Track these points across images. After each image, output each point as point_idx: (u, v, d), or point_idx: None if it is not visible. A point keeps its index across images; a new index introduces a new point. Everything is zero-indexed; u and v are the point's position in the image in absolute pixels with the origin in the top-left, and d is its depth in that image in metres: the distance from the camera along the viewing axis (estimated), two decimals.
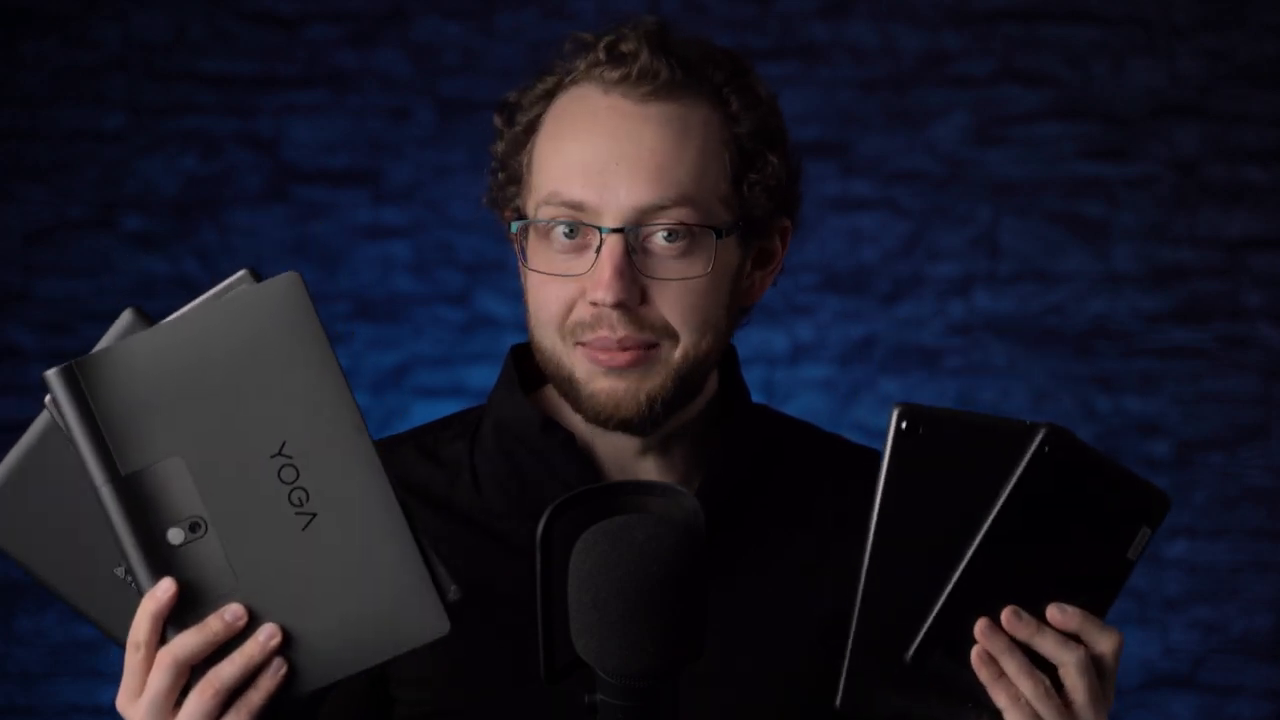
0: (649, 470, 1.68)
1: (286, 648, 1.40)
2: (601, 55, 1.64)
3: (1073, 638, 1.46)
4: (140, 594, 1.40)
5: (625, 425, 1.63)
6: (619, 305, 1.59)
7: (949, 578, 1.45)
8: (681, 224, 1.61)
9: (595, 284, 1.60)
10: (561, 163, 1.63)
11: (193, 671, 1.39)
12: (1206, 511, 3.65)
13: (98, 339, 1.45)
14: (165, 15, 3.64)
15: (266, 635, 1.39)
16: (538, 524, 1.38)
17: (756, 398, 1.76)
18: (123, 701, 1.42)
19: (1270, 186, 3.65)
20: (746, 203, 1.65)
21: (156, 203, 3.63)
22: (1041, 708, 1.45)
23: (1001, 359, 3.65)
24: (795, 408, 1.83)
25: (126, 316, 1.45)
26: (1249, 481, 3.66)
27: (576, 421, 1.68)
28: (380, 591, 1.41)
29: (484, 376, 1.76)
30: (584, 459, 1.67)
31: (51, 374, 1.39)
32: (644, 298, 1.61)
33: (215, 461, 1.40)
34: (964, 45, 3.67)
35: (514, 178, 1.68)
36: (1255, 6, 3.64)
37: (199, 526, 1.40)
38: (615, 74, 1.63)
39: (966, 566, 1.45)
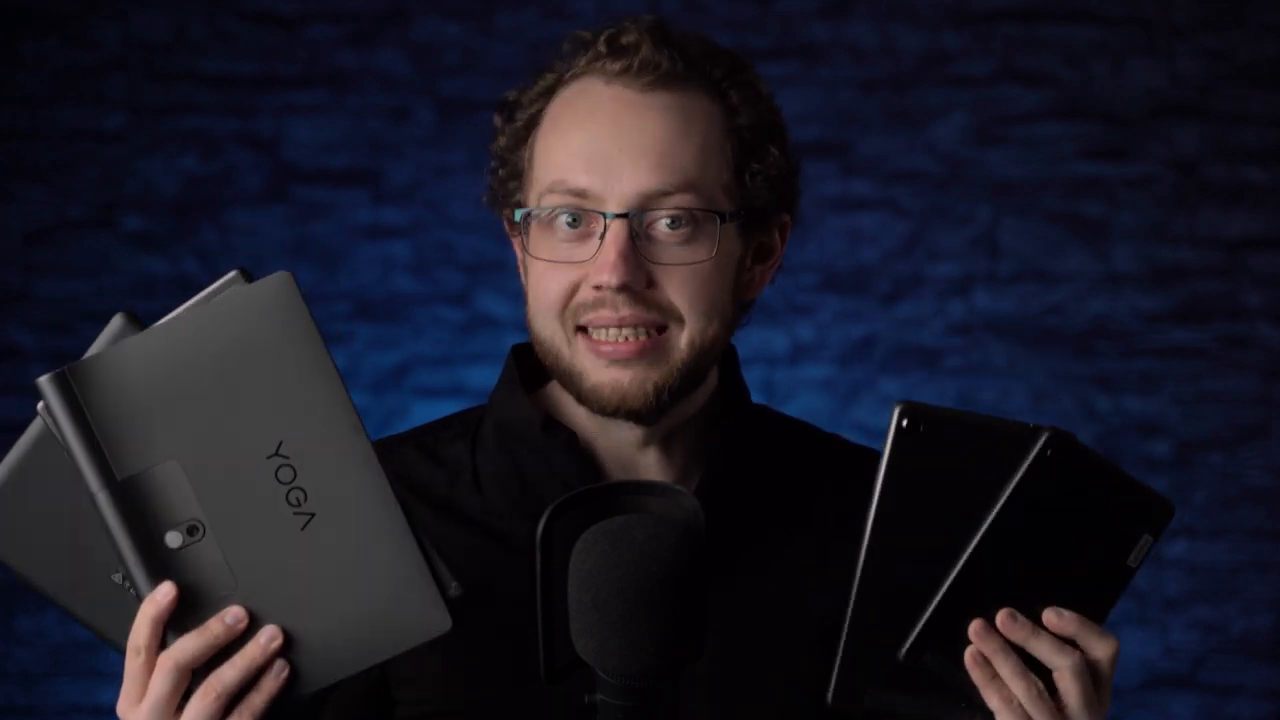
0: (650, 465, 1.68)
1: (288, 649, 1.40)
2: (603, 48, 1.65)
3: (1069, 642, 1.45)
4: (139, 599, 1.39)
5: (632, 415, 1.64)
6: (623, 288, 1.60)
7: (945, 577, 1.45)
8: (685, 209, 1.61)
9: (599, 268, 1.60)
10: (565, 152, 1.63)
11: (194, 675, 1.39)
12: (1206, 511, 3.65)
13: (98, 337, 1.45)
14: (165, 15, 3.64)
15: (268, 637, 1.39)
16: (538, 524, 1.38)
17: (756, 398, 1.76)
18: (123, 707, 1.41)
19: (1270, 186, 3.65)
20: (748, 193, 1.66)
21: (156, 203, 3.63)
22: (1034, 711, 1.44)
23: (1001, 359, 3.65)
24: (795, 408, 1.83)
25: (117, 321, 1.44)
26: (1249, 481, 3.66)
27: (578, 420, 1.68)
28: (381, 590, 1.41)
29: (484, 376, 1.76)
30: (585, 459, 1.67)
31: (44, 381, 1.39)
32: (649, 282, 1.62)
33: (211, 464, 1.39)
34: (964, 45, 3.67)
35: (515, 173, 1.68)
36: (1255, 6, 3.64)
37: (197, 530, 1.39)
38: (617, 65, 1.64)
39: (963, 567, 1.45)
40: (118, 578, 1.44)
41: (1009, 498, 1.44)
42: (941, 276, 3.67)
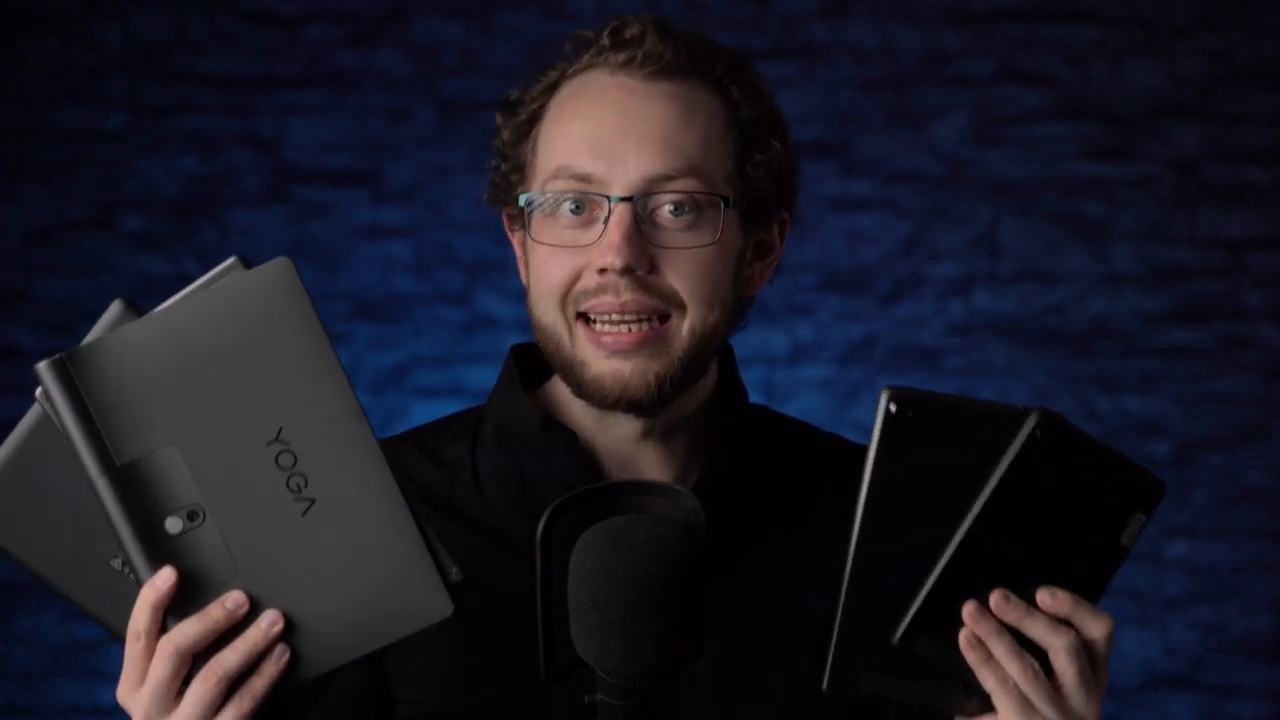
0: (650, 462, 1.68)
1: (289, 634, 1.39)
2: (606, 41, 1.66)
3: (1064, 622, 1.45)
4: (139, 585, 1.39)
5: (632, 405, 1.64)
6: (627, 270, 1.60)
7: (937, 561, 1.45)
8: (688, 192, 1.62)
9: (604, 250, 1.61)
10: (569, 138, 1.64)
11: (194, 660, 1.39)
12: (1206, 511, 3.65)
13: (96, 323, 1.45)
14: (165, 15, 3.64)
15: (269, 622, 1.39)
16: (538, 524, 1.38)
17: (756, 397, 1.76)
18: (123, 693, 1.41)
19: (1270, 186, 3.66)
20: (750, 183, 1.66)
21: (156, 203, 3.63)
22: (1030, 691, 1.44)
23: (1001, 359, 3.65)
24: (795, 408, 1.83)
25: (116, 308, 1.44)
26: (1249, 481, 3.66)
27: (577, 418, 1.68)
28: (381, 575, 1.40)
29: (484, 376, 1.76)
30: (585, 459, 1.67)
31: (43, 366, 1.39)
32: (652, 267, 1.62)
33: (211, 449, 1.39)
34: (964, 45, 3.67)
35: (517, 166, 1.69)
36: (1255, 6, 3.64)
37: (197, 515, 1.39)
38: (621, 56, 1.65)
39: (955, 550, 1.44)
40: (117, 563, 1.43)
41: (1000, 480, 1.44)
42: (941, 276, 3.67)
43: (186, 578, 1.39)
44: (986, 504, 1.44)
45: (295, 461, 1.39)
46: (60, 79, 3.63)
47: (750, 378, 1.76)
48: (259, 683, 1.39)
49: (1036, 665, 1.44)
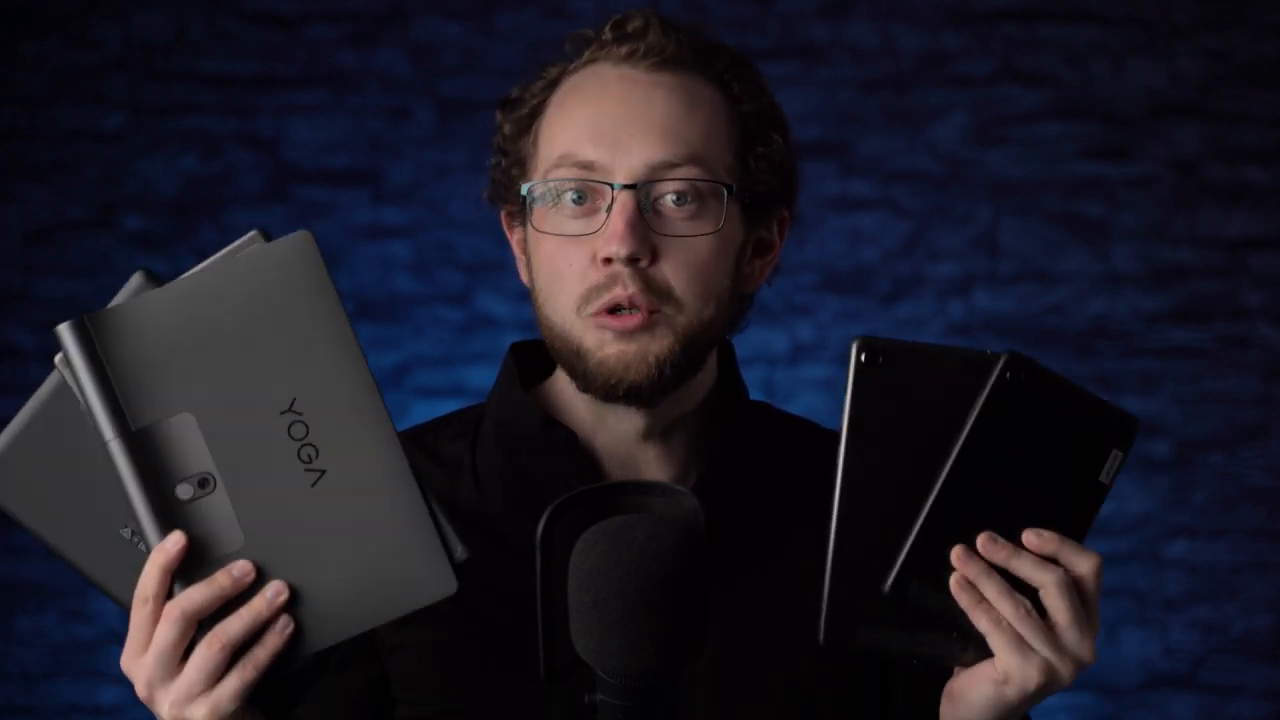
0: (650, 460, 1.68)
1: (294, 605, 1.40)
2: (609, 35, 1.67)
3: (1050, 560, 1.45)
4: (148, 551, 1.39)
5: (634, 390, 1.63)
6: (631, 259, 1.60)
7: (922, 507, 1.45)
8: (691, 180, 1.62)
9: (608, 239, 1.61)
10: (572, 127, 1.64)
11: (199, 627, 1.39)
12: (1206, 511, 3.65)
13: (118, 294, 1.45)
14: (165, 15, 3.64)
15: (274, 592, 1.39)
16: (538, 524, 1.38)
17: (756, 398, 1.76)
18: (128, 658, 1.42)
19: (1270, 186, 3.66)
20: (751, 176, 1.67)
21: (156, 203, 3.63)
22: (1024, 629, 1.44)
23: None
24: (795, 408, 1.83)
25: (137, 278, 1.46)
26: (1249, 481, 3.66)
27: (576, 417, 1.68)
28: (388, 550, 1.41)
29: (484, 376, 1.76)
30: (584, 459, 1.67)
31: (63, 327, 1.40)
32: (654, 257, 1.62)
33: (225, 418, 1.40)
34: (964, 45, 3.67)
35: (518, 160, 1.69)
36: (1255, 6, 3.65)
37: (208, 482, 1.40)
38: (624, 49, 1.66)
39: (938, 495, 1.45)
40: (126, 533, 1.44)
41: (975, 423, 1.45)
42: (941, 276, 3.67)
43: (195, 545, 1.39)
44: (964, 447, 1.45)
45: (307, 432, 1.40)
46: (60, 79, 3.63)
47: (750, 378, 1.76)
48: (262, 653, 1.39)
49: (1028, 604, 1.44)
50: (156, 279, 1.45)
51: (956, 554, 1.45)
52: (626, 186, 1.61)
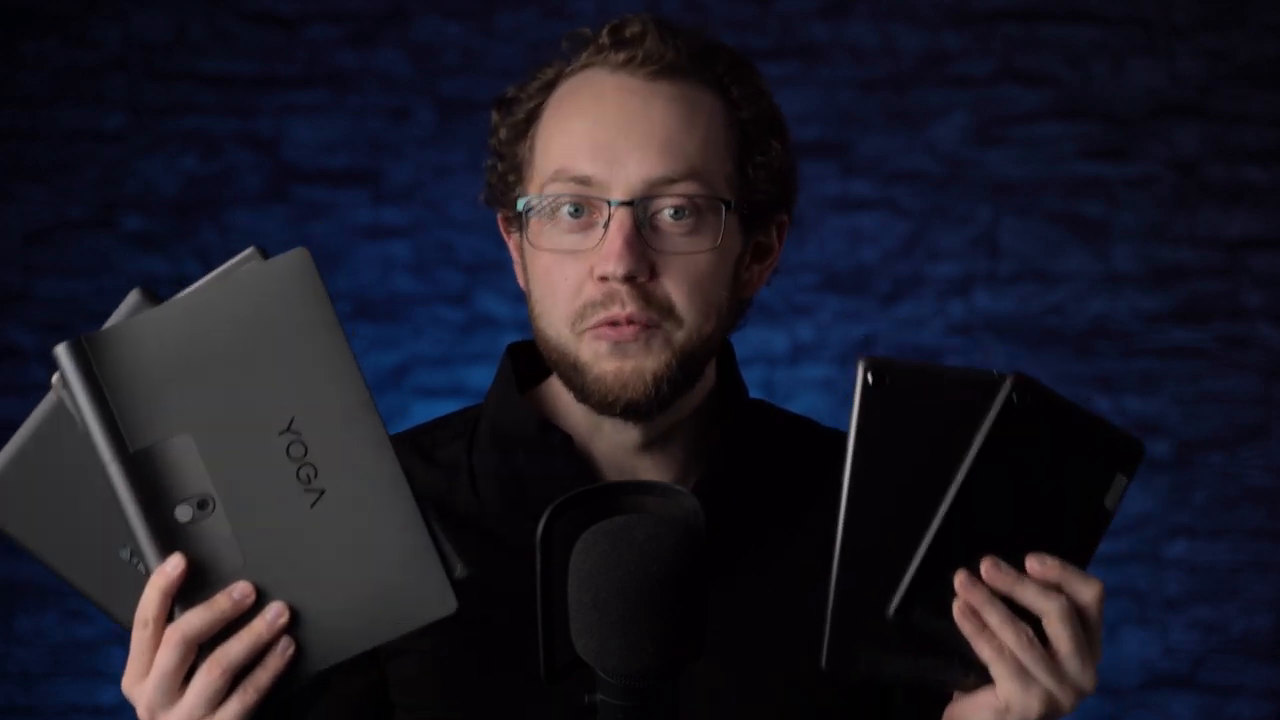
0: (647, 466, 1.68)
1: (294, 626, 1.39)
2: (606, 40, 1.65)
3: (1054, 588, 1.45)
4: (148, 573, 1.39)
5: (631, 407, 1.62)
6: (628, 278, 1.59)
7: (926, 532, 1.44)
8: (689, 196, 1.61)
9: (605, 257, 1.59)
10: (568, 140, 1.62)
11: (200, 650, 1.39)
12: (1206, 511, 3.65)
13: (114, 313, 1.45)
14: (165, 15, 3.64)
15: (274, 614, 1.39)
16: (537, 525, 1.38)
17: (756, 397, 1.76)
18: (129, 682, 1.41)
19: (1270, 186, 3.66)
20: (750, 185, 1.65)
21: (156, 203, 3.63)
22: (1026, 658, 1.44)
23: (1001, 359, 3.65)
24: (795, 408, 1.82)
25: (134, 296, 1.45)
26: (1249, 481, 3.66)
27: (573, 422, 1.68)
28: (388, 569, 1.40)
29: (484, 376, 1.76)
30: (581, 463, 1.66)
31: (61, 349, 1.39)
32: (652, 273, 1.61)
33: (224, 438, 1.39)
34: (964, 45, 3.67)
35: (514, 166, 1.67)
36: (1255, 6, 3.64)
37: (207, 504, 1.39)
38: (621, 56, 1.63)
39: (943, 520, 1.44)
40: (125, 554, 1.44)
41: (980, 447, 1.44)
42: (941, 276, 3.67)
43: (195, 567, 1.39)
44: (969, 471, 1.44)
45: (306, 452, 1.40)
46: (60, 79, 3.63)
47: (750, 378, 1.76)
48: (263, 675, 1.39)
49: (1030, 632, 1.44)
50: (154, 297, 1.44)
51: (960, 580, 1.44)
52: (624, 203, 1.60)
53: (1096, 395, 3.65)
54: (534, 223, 1.64)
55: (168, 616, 1.39)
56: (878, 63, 3.67)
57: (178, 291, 1.43)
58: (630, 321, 1.60)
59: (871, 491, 1.45)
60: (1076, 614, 1.44)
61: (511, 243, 1.70)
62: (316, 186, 3.66)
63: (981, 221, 3.67)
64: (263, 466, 1.39)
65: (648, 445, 1.67)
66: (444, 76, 3.66)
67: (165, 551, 1.38)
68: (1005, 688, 1.44)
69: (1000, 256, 3.67)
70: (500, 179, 1.69)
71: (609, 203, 1.60)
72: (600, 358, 1.61)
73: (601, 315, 1.60)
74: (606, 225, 1.60)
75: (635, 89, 1.63)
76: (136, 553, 1.40)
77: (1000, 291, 3.67)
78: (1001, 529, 1.45)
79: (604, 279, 1.60)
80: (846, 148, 3.67)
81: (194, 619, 1.38)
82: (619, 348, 1.61)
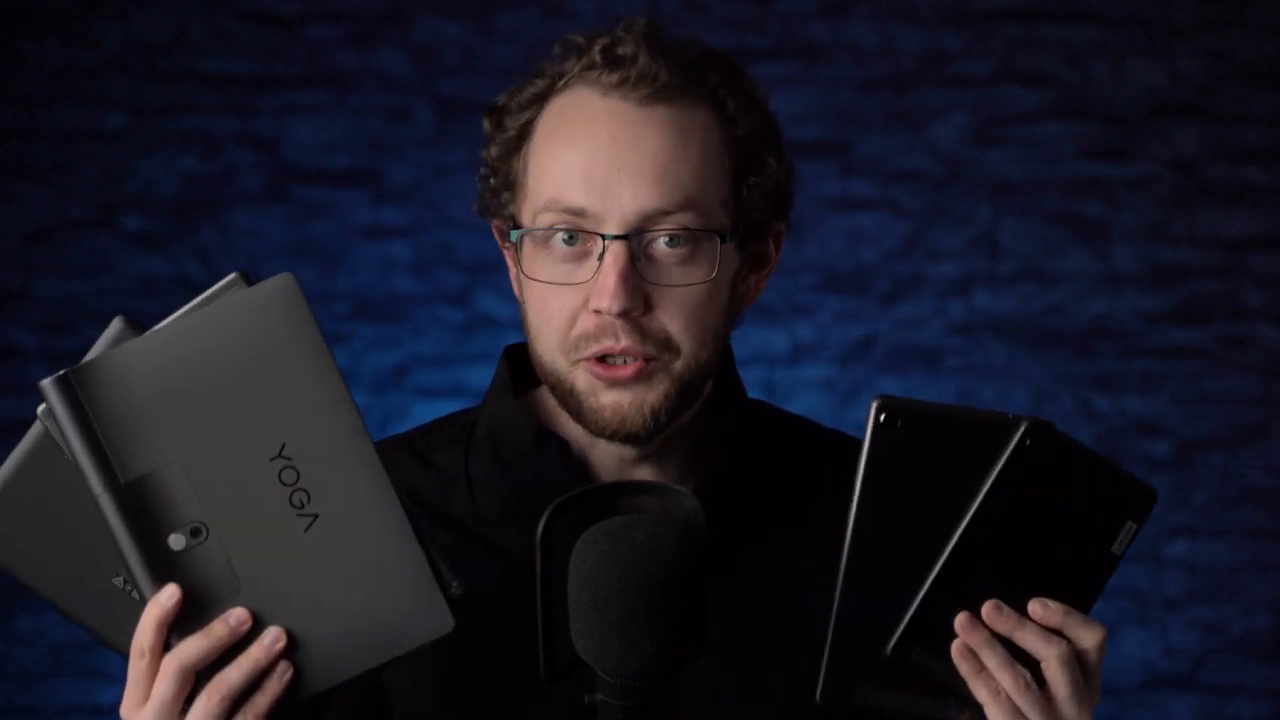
0: (645, 471, 1.68)
1: (292, 650, 1.39)
2: (598, 58, 1.62)
3: (1055, 632, 1.45)
4: (142, 601, 1.39)
5: (630, 438, 1.62)
6: (623, 314, 1.58)
7: (929, 571, 1.45)
8: (685, 229, 1.59)
9: (600, 292, 1.58)
10: (561, 169, 1.61)
11: (198, 677, 1.39)
12: (1206, 511, 3.65)
13: (98, 339, 1.45)
14: (165, 15, 3.64)
15: (271, 639, 1.39)
16: (534, 530, 1.38)
17: (756, 398, 1.76)
18: (127, 709, 1.41)
19: (1270, 186, 3.65)
20: (745, 205, 1.64)
21: (156, 203, 3.63)
22: (1022, 702, 1.44)
23: (1001, 359, 3.65)
24: (795, 408, 1.82)
25: (116, 325, 1.44)
26: (1249, 481, 3.66)
27: (570, 427, 1.67)
28: (384, 591, 1.40)
29: (484, 377, 1.75)
30: (577, 469, 1.66)
31: (47, 383, 1.38)
32: (648, 306, 1.60)
33: (215, 466, 1.39)
34: (964, 45, 3.67)
35: (507, 183, 1.66)
36: (1255, 6, 3.64)
37: (200, 532, 1.39)
38: (613, 77, 1.61)
39: (947, 560, 1.44)
40: (119, 581, 1.43)
41: (990, 489, 1.44)
42: (941, 276, 3.67)
43: (190, 595, 1.39)
44: (977, 513, 1.44)
45: (298, 477, 1.39)
46: (60, 79, 3.63)
47: (750, 378, 1.75)
48: (262, 700, 1.39)
49: (1029, 676, 1.44)
50: (137, 325, 1.43)
51: (961, 621, 1.44)
52: (618, 237, 1.58)
53: (1096, 395, 3.65)
54: (528, 249, 1.63)
55: (164, 645, 1.39)
56: (878, 63, 3.67)
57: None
58: (625, 354, 1.59)
59: (877, 529, 1.45)
60: (1076, 659, 1.45)
61: (508, 254, 1.69)
62: (316, 186, 3.66)
63: (981, 221, 3.67)
64: (255, 493, 1.39)
65: (645, 458, 1.67)
66: (444, 76, 3.66)
67: (160, 581, 1.38)
68: None
69: (1000, 256, 3.67)
70: (493, 194, 1.67)
71: (603, 236, 1.59)
72: (597, 389, 1.61)
73: (596, 348, 1.60)
74: (601, 257, 1.59)
75: (627, 116, 1.60)
76: (130, 581, 1.40)
77: (1000, 291, 3.67)
78: (1006, 570, 1.45)
79: (598, 312, 1.59)
80: (846, 148, 3.67)
81: (191, 648, 1.38)
82: (615, 384, 1.60)
